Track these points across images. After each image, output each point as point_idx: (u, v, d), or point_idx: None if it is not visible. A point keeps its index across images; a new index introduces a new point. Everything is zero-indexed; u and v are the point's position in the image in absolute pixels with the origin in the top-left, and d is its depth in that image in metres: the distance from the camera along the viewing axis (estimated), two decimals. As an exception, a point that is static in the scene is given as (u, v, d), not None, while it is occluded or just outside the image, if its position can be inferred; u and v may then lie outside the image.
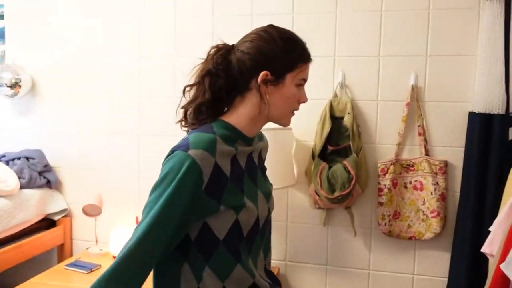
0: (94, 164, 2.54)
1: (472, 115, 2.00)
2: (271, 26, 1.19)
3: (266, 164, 1.37)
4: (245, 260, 1.15)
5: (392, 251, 2.20)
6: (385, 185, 2.10)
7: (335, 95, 2.18)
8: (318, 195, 2.09)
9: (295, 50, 1.16)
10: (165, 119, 2.41)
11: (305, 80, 1.20)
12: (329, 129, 2.12)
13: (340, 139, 2.16)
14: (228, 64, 1.16)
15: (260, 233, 1.21)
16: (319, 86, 2.20)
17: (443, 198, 2.07)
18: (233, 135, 1.16)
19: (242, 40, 1.18)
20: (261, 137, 1.33)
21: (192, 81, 1.20)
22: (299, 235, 2.31)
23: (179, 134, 2.38)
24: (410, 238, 2.13)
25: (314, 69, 2.20)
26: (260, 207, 1.19)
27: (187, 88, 1.20)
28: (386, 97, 2.14)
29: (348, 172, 2.03)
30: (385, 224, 2.12)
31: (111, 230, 2.40)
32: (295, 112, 1.22)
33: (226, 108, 1.21)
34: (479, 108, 1.97)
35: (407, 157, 2.14)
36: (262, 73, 1.13)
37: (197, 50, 2.30)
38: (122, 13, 2.44)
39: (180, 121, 1.23)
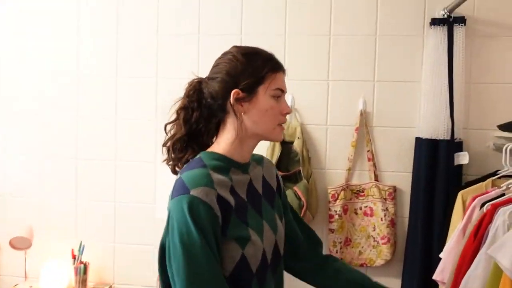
0: (24, 191, 2.33)
1: (418, 140, 2.02)
2: (234, 46, 1.18)
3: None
4: None
5: (343, 279, 2.15)
6: (336, 212, 2.06)
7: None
8: (268, 223, 2.01)
9: (258, 62, 1.13)
10: (106, 143, 2.27)
11: (282, 90, 1.15)
12: (279, 154, 2.06)
13: (290, 164, 2.11)
14: (201, 95, 1.15)
15: (271, 268, 1.14)
16: (269, 109, 2.14)
17: (392, 224, 2.06)
18: (225, 164, 1.11)
19: (211, 69, 1.17)
20: (259, 161, 1.26)
21: (172, 118, 1.19)
22: (248, 264, 2.20)
23: (120, 158, 2.28)
24: (361, 265, 2.09)
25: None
26: (265, 239, 1.12)
27: (169, 126, 1.19)
28: (336, 121, 2.12)
29: (299, 198, 1.97)
30: (337, 252, 2.06)
31: (43, 265, 2.19)
32: (283, 125, 1.17)
33: (213, 140, 1.19)
34: (425, 134, 1.99)
35: (357, 183, 2.12)
36: (232, 92, 1.10)
37: (139, 70, 2.27)
38: (60, 29, 2.29)
39: (166, 160, 1.19)
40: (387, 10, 2.06)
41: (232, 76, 1.11)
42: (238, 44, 1.19)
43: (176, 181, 1.07)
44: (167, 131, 1.18)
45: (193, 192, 1.00)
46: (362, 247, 2.09)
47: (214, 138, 1.18)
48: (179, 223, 1.00)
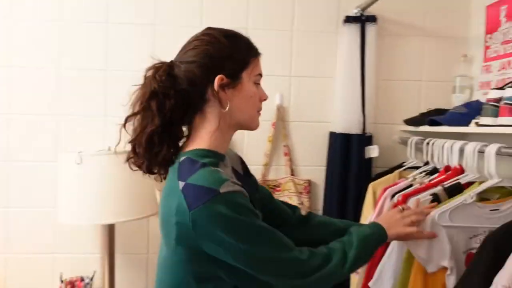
0: None
1: (332, 135, 2.07)
2: (210, 28, 1.08)
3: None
4: None
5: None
6: (253, 207, 2.03)
7: (201, 114, 2.05)
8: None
9: (242, 46, 1.06)
10: (37, 142, 2.02)
11: (261, 76, 1.11)
12: (195, 149, 1.98)
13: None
14: (174, 81, 1.02)
15: None
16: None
17: (308, 217, 2.08)
18: (215, 160, 1.01)
19: (182, 52, 1.06)
20: None
21: (134, 110, 1.02)
22: (162, 266, 2.10)
23: (13, 158, 2.02)
24: (278, 259, 2.09)
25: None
26: None
27: (129, 120, 1.03)
28: (252, 116, 2.08)
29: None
30: (254, 248, 2.04)
31: None
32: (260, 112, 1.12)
33: (187, 133, 1.08)
34: (339, 128, 2.04)
35: (273, 178, 2.11)
36: (217, 78, 1.01)
37: (35, 60, 2.01)
38: None
39: (129, 158, 1.05)
40: (303, 6, 2.07)
41: (215, 60, 1.01)
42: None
43: (184, 190, 0.93)
44: (125, 125, 1.03)
45: (223, 190, 0.91)
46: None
47: (186, 130, 1.08)
48: (226, 227, 0.91)
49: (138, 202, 1.82)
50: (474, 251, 1.31)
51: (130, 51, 2.00)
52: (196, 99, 1.03)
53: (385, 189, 1.74)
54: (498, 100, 1.46)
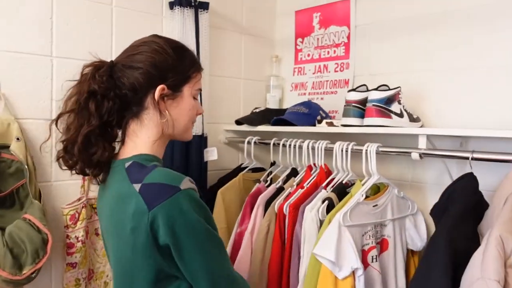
0: None
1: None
2: (156, 35, 1.08)
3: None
4: None
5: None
6: (78, 238, 1.50)
7: (-12, 111, 1.36)
8: (-15, 280, 1.23)
9: (187, 60, 1.08)
10: None
11: (200, 90, 1.13)
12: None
13: (2, 181, 1.37)
14: (115, 83, 1.00)
15: None
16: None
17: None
18: (160, 165, 1.02)
19: (126, 54, 1.04)
20: None
21: (68, 107, 0.99)
22: None
23: None
24: (102, 298, 1.63)
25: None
26: None
27: (62, 116, 1.00)
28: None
29: (39, 230, 1.30)
30: (81, 292, 1.51)
31: None
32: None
33: (121, 138, 1.06)
34: (175, 129, 1.74)
35: (95, 195, 1.62)
36: (158, 88, 1.02)
37: None
38: None
39: (60, 157, 1.01)
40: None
41: (159, 70, 1.02)
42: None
43: (142, 191, 0.91)
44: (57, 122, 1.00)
45: (183, 186, 0.91)
46: (107, 275, 1.62)
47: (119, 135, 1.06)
48: (186, 225, 0.90)
49: None
50: (365, 247, 1.37)
51: None
52: (134, 105, 1.02)
53: (252, 197, 1.61)
54: (361, 101, 1.56)
